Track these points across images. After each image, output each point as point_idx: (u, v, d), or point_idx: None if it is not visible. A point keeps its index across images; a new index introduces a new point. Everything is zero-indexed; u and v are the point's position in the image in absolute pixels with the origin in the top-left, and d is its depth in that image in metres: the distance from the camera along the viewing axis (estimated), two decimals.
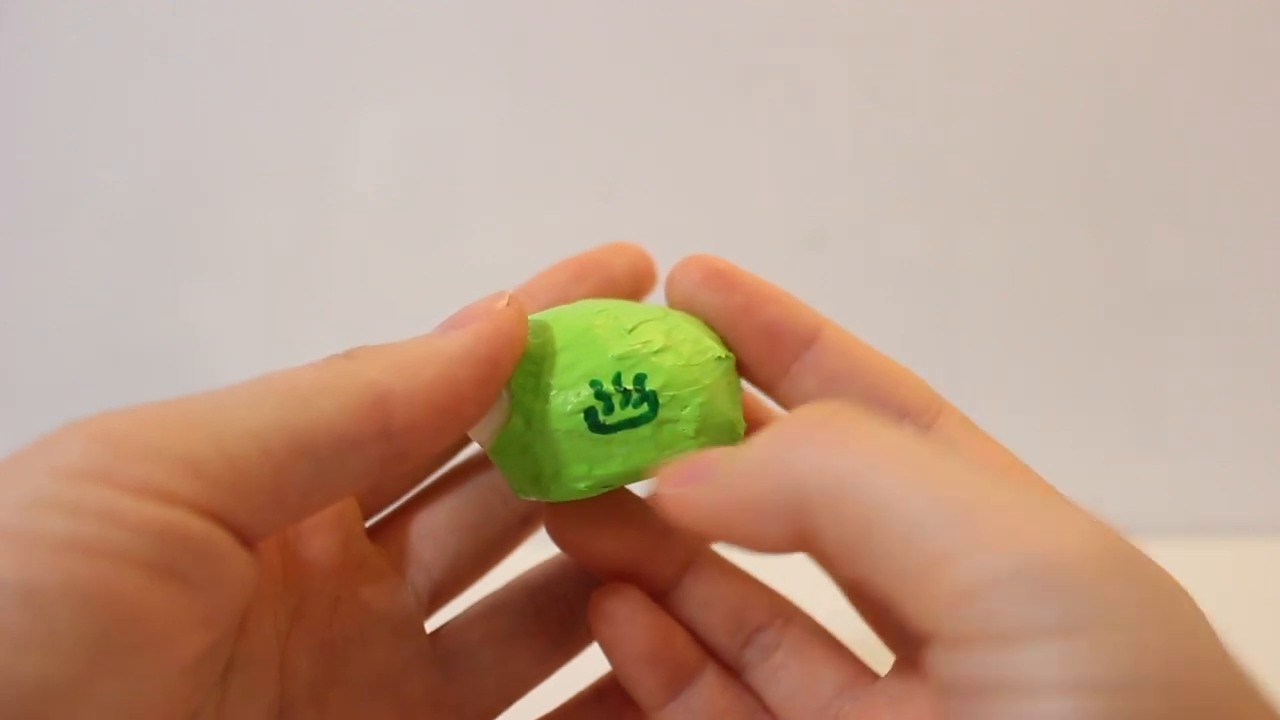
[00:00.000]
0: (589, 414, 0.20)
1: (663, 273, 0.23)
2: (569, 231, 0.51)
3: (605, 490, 0.21)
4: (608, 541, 0.22)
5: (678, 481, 0.18)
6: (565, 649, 0.24)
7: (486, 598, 0.24)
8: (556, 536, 0.22)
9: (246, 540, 0.16)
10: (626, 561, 0.22)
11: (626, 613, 0.21)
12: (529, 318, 0.21)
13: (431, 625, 0.24)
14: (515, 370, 0.20)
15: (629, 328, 0.21)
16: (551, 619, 0.24)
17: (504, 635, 0.23)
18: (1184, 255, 0.52)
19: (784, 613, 0.23)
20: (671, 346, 0.20)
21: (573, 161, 0.51)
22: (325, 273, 0.52)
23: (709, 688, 0.22)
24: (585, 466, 0.20)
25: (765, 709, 0.22)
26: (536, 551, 0.25)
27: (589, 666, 0.24)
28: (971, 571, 0.14)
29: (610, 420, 0.20)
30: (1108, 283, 0.52)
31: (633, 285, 0.24)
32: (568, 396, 0.20)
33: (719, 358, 0.21)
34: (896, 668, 0.22)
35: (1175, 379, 0.53)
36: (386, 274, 0.52)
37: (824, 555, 0.16)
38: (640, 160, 0.51)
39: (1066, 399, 0.53)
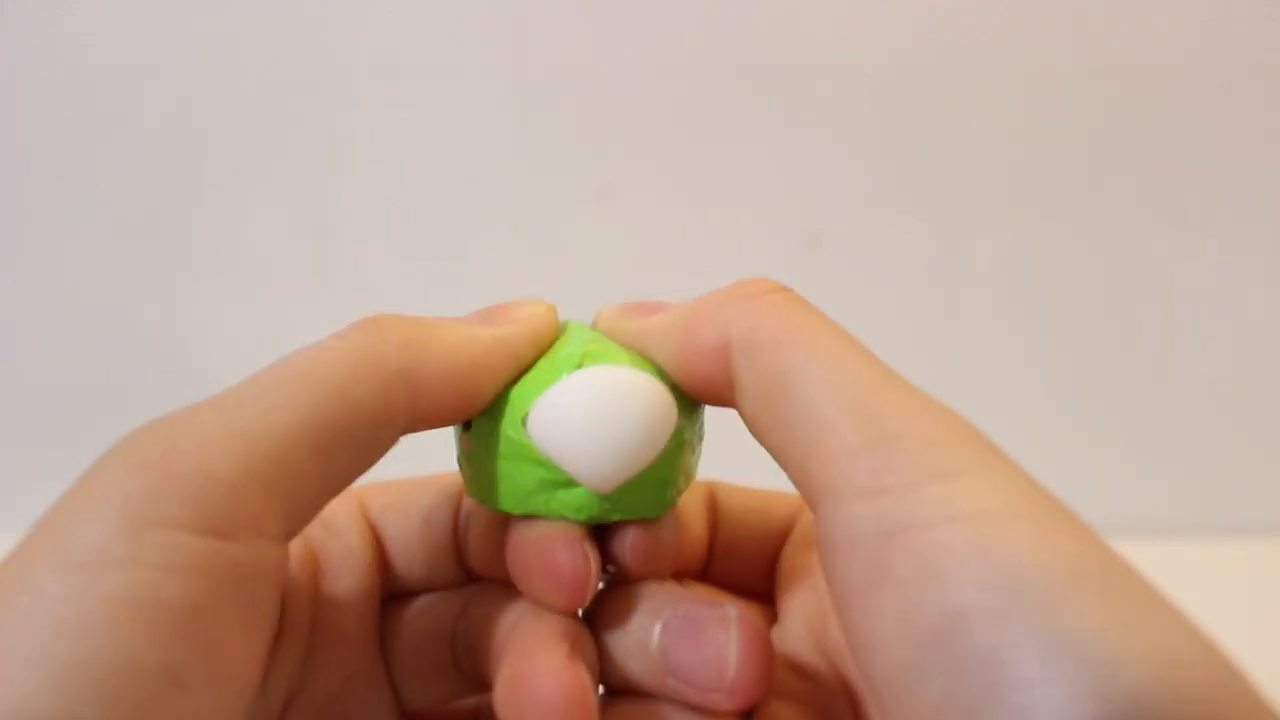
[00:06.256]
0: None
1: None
2: (569, 233, 0.51)
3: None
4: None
5: (634, 310, 0.19)
6: None
7: None
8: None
9: (288, 535, 0.16)
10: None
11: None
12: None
13: None
14: None
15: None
16: None
17: None
18: (1184, 255, 0.52)
19: None
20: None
21: (573, 162, 0.51)
22: (325, 274, 0.52)
23: None
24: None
25: None
26: None
27: None
28: (862, 433, 0.15)
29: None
30: (1108, 283, 0.52)
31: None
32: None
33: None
34: None
35: (1175, 379, 0.53)
36: (386, 275, 0.52)
37: (742, 410, 0.17)
38: (640, 162, 0.51)
39: (1066, 399, 0.53)
